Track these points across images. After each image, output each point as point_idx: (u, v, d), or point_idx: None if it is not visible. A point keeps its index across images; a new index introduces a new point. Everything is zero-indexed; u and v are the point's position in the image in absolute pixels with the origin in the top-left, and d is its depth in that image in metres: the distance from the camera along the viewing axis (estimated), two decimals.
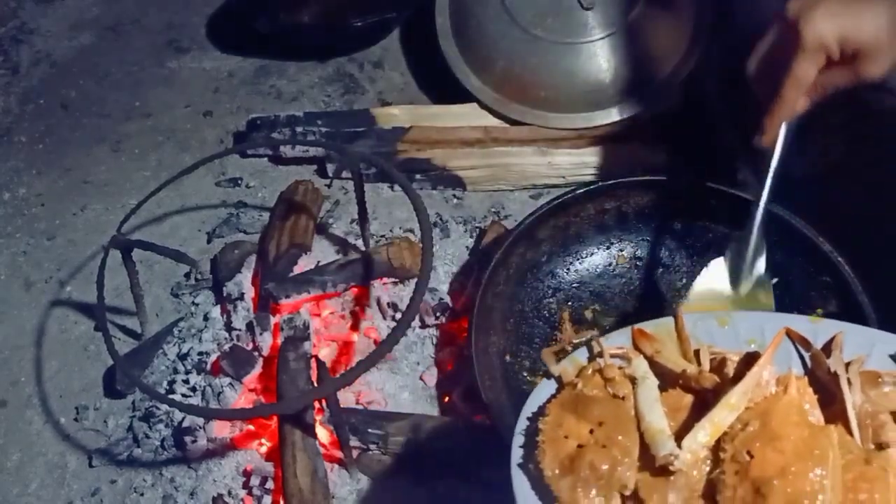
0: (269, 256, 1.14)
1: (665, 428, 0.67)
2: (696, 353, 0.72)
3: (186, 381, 1.06)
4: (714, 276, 0.92)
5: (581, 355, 0.74)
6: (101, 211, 1.38)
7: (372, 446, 0.97)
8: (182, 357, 1.10)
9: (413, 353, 1.09)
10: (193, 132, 1.50)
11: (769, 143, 0.86)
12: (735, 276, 0.92)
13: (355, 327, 1.11)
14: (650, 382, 0.70)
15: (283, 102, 1.54)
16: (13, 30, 1.77)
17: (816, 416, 0.67)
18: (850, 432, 0.66)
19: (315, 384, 0.98)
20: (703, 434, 0.65)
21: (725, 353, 0.70)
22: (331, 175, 1.35)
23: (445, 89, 1.41)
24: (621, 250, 1.13)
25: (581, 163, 1.30)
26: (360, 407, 1.03)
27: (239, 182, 1.39)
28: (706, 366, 0.71)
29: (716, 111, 1.28)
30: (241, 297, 1.12)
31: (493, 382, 0.96)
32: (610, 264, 1.12)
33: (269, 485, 0.96)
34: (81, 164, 1.46)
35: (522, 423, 0.72)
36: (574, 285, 1.11)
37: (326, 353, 1.09)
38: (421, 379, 1.07)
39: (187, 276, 1.24)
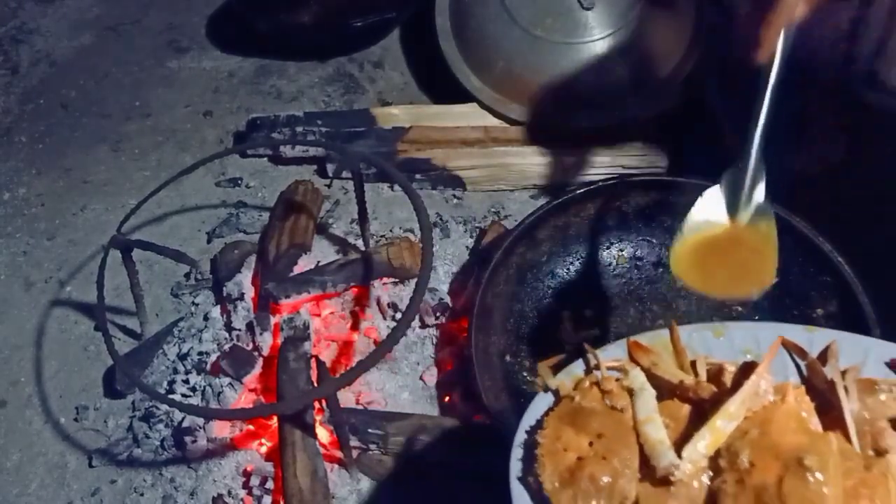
0: (269, 256, 1.14)
1: (664, 439, 0.67)
2: (693, 364, 0.72)
3: (186, 381, 1.06)
4: (709, 207, 0.87)
5: (577, 368, 0.75)
6: (101, 211, 1.38)
7: (372, 446, 0.97)
8: (182, 357, 1.10)
9: (413, 353, 1.09)
10: (193, 132, 1.50)
11: (766, 57, 0.79)
12: (733, 206, 0.86)
13: (355, 327, 1.11)
14: (648, 394, 0.70)
15: (283, 102, 1.54)
16: (13, 30, 1.77)
17: (815, 423, 0.67)
18: (848, 440, 0.66)
19: (315, 384, 0.98)
20: (703, 444, 0.65)
21: (722, 363, 0.70)
22: (331, 175, 1.35)
23: (445, 89, 1.41)
24: (621, 250, 1.13)
25: (581, 163, 1.30)
26: (360, 407, 1.03)
27: (239, 182, 1.39)
28: (703, 376, 0.71)
29: (716, 111, 1.28)
30: (241, 297, 1.12)
31: (493, 382, 0.96)
32: (610, 264, 1.12)
33: (269, 485, 0.96)
34: (81, 164, 1.46)
35: (521, 436, 0.72)
36: (574, 285, 1.11)
37: (326, 353, 1.09)
38: (421, 379, 1.07)
39: (187, 276, 1.24)
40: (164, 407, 1.05)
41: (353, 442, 0.96)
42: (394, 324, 1.10)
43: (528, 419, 0.73)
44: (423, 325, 1.11)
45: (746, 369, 0.69)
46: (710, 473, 0.65)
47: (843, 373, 0.69)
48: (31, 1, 1.84)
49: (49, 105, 1.59)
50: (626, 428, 0.69)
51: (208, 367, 1.07)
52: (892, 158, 1.14)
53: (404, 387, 1.06)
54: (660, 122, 1.31)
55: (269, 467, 0.98)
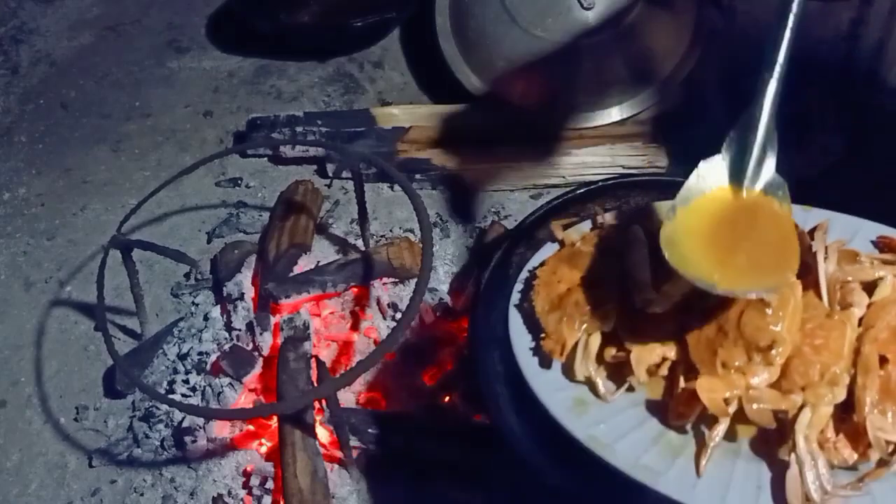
0: (269, 256, 1.14)
1: (647, 278, 0.74)
2: None
3: (186, 381, 1.06)
4: (708, 180, 0.73)
5: (585, 226, 0.87)
6: (101, 211, 1.38)
7: (372, 446, 0.97)
8: (182, 357, 1.10)
9: (413, 352, 1.09)
10: (193, 132, 1.50)
11: None
12: (738, 177, 0.72)
13: (355, 327, 1.11)
14: (641, 244, 0.78)
15: (283, 102, 1.54)
16: (13, 30, 1.77)
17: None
18: (819, 297, 0.72)
19: (315, 384, 0.98)
20: (679, 283, 0.72)
21: None
22: (331, 175, 1.35)
23: (445, 89, 1.41)
24: None
25: (581, 163, 1.30)
26: (359, 407, 1.03)
27: (239, 182, 1.39)
28: None
29: (716, 111, 1.28)
30: (241, 297, 1.12)
31: (493, 382, 0.96)
32: None
33: (269, 485, 0.96)
34: (81, 164, 1.46)
35: (524, 274, 0.82)
36: None
37: (326, 353, 1.09)
38: (421, 378, 1.07)
39: (187, 276, 1.24)
40: (164, 407, 1.05)
41: (353, 442, 0.96)
42: (394, 324, 1.10)
43: (534, 262, 0.83)
44: (423, 325, 1.10)
45: None
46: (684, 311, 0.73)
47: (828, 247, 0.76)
48: (31, 1, 1.84)
49: (49, 105, 1.59)
50: (615, 268, 0.78)
51: (208, 367, 1.07)
52: (891, 158, 1.14)
53: (404, 387, 1.06)
54: (660, 122, 1.31)
55: (269, 467, 0.98)
